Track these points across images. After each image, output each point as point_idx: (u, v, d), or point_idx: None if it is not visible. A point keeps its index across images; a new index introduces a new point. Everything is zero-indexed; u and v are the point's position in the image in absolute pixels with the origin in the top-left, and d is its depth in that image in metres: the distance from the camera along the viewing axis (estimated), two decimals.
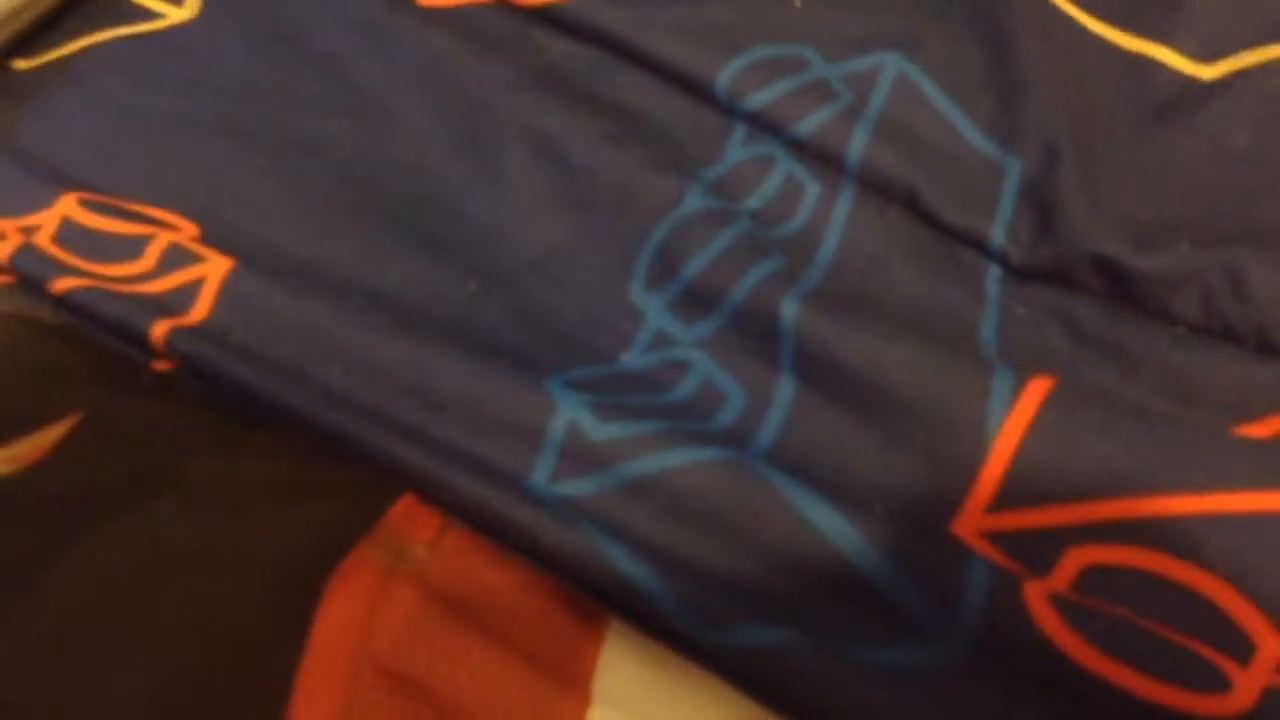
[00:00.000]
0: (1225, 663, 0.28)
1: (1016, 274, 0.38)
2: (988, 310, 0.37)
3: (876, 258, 0.38)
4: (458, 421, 0.33)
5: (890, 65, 0.42)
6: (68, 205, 0.40)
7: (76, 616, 0.28)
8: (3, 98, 0.46)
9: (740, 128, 0.41)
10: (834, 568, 0.30)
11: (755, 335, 0.36)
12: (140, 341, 0.36)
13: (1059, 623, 0.28)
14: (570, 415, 0.33)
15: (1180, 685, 0.27)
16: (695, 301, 0.37)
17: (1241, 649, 0.28)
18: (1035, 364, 0.35)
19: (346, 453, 0.33)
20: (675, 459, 0.32)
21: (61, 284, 0.37)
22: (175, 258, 0.38)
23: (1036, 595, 0.29)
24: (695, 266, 0.37)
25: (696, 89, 0.42)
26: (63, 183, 0.41)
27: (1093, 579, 0.30)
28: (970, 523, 0.31)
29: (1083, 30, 0.43)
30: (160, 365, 0.36)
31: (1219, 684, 0.27)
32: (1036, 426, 0.32)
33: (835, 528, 0.30)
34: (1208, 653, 0.28)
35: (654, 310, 0.37)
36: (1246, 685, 0.28)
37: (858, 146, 0.40)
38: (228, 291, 0.37)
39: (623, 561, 0.30)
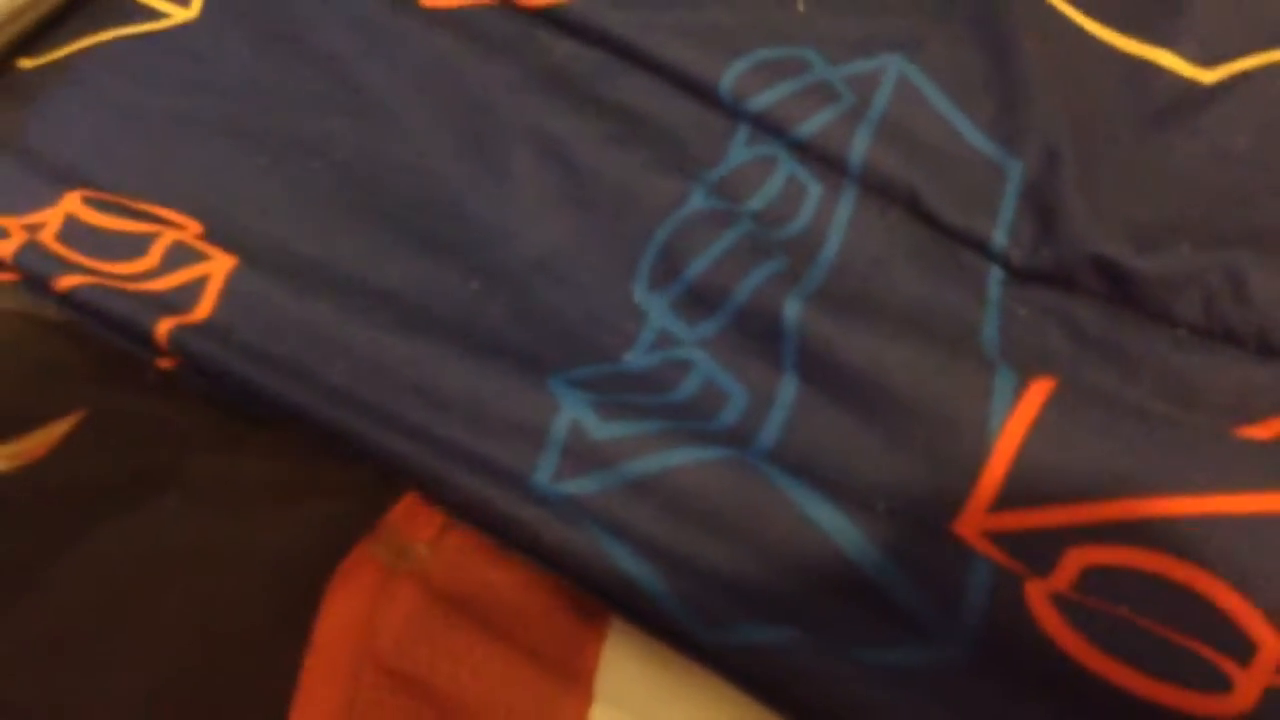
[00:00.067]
0: (1226, 663, 0.28)
1: (1018, 275, 0.38)
2: (989, 312, 0.37)
3: (878, 259, 0.38)
4: (460, 420, 0.33)
5: (892, 67, 0.42)
6: (72, 203, 0.40)
7: (78, 614, 0.28)
8: (7, 96, 0.46)
9: (743, 129, 0.42)
10: (836, 567, 0.30)
11: (758, 335, 0.36)
12: (144, 339, 0.36)
13: (1060, 622, 0.28)
14: (573, 414, 0.33)
15: (1181, 685, 0.27)
16: (698, 301, 0.37)
17: (1242, 649, 0.29)
18: (1036, 365, 0.35)
19: (349, 451, 0.33)
20: (678, 458, 0.32)
21: (66, 281, 0.37)
22: (179, 256, 0.38)
23: (1038, 595, 0.29)
24: (698, 267, 0.37)
25: (700, 91, 0.42)
26: (67, 181, 0.41)
27: (1094, 579, 0.30)
28: (972, 522, 0.31)
29: (1083, 33, 0.43)
30: (164, 363, 0.36)
31: (1220, 684, 0.28)
32: (1038, 427, 0.32)
33: (837, 527, 0.31)
34: (1208, 653, 0.28)
35: (657, 310, 0.37)
36: (1247, 685, 0.28)
37: (860, 148, 0.40)
38: (231, 290, 0.37)
39: (625, 560, 0.30)
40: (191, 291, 0.37)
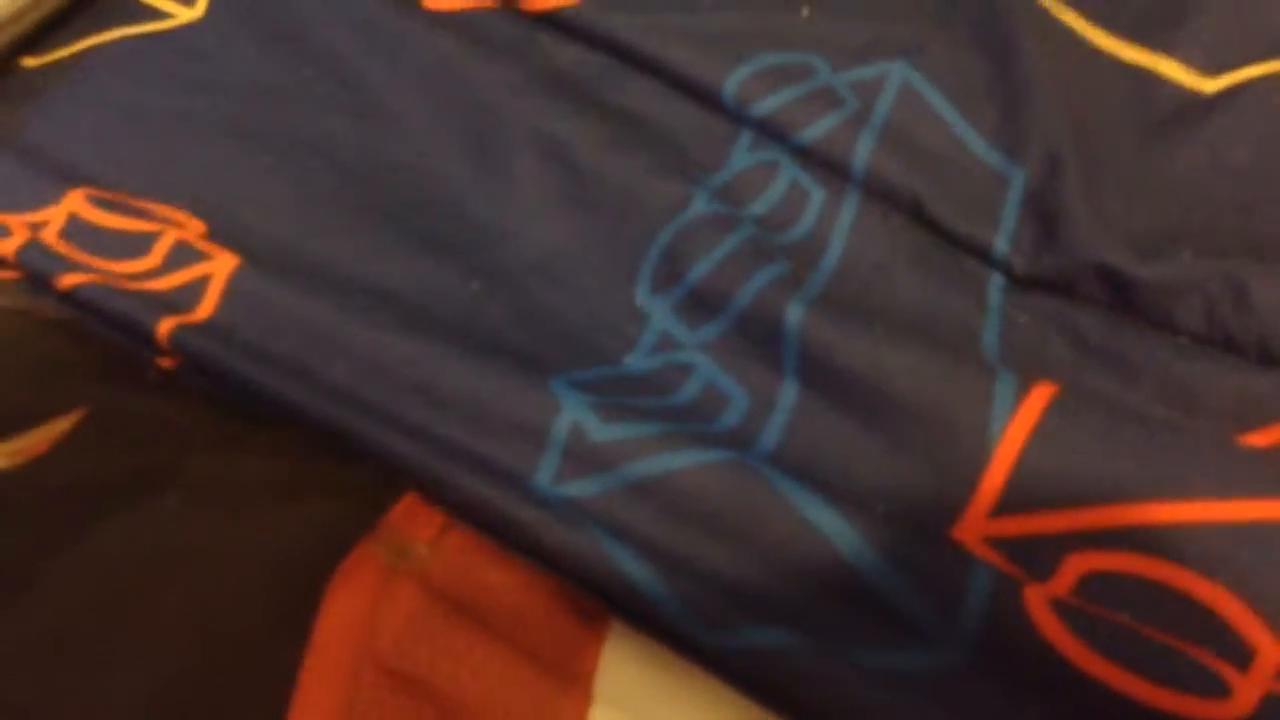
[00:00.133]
0: (1225, 669, 0.28)
1: (1019, 283, 0.38)
2: (990, 318, 0.37)
3: (880, 264, 0.38)
4: (461, 420, 0.33)
5: (896, 73, 0.42)
6: (75, 201, 0.40)
7: (77, 613, 0.28)
8: (11, 95, 0.46)
9: (746, 134, 0.42)
10: (836, 570, 0.30)
11: (759, 339, 0.36)
12: (146, 338, 0.36)
13: (1060, 628, 0.28)
14: (574, 416, 0.33)
15: (1180, 691, 0.27)
16: (700, 305, 0.37)
17: (1241, 655, 0.29)
18: (1037, 372, 0.35)
19: (350, 451, 0.33)
20: (678, 461, 0.32)
21: (68, 280, 0.37)
22: (182, 255, 0.38)
23: (1037, 600, 0.29)
24: (700, 270, 0.37)
25: (704, 95, 0.42)
26: (70, 179, 0.41)
27: (1094, 585, 0.30)
28: (972, 527, 0.31)
29: (1086, 42, 0.43)
30: (165, 362, 0.36)
31: (1219, 690, 0.28)
32: (1039, 432, 0.32)
33: (837, 531, 0.31)
34: (1208, 659, 0.28)
35: (659, 313, 0.37)
36: (1246, 691, 0.28)
37: (863, 154, 0.40)
38: (233, 289, 0.37)
39: (625, 562, 0.30)
40: (193, 291, 0.37)
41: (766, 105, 0.41)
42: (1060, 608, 0.29)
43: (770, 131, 0.41)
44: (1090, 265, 0.37)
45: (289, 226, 0.40)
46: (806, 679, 0.28)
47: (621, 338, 0.37)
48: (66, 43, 0.48)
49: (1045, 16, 0.43)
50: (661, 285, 0.38)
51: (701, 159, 0.41)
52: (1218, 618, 0.29)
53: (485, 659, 0.29)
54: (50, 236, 0.39)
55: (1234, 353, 0.36)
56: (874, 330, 0.35)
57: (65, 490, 0.31)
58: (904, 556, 0.30)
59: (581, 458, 0.32)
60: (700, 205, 0.39)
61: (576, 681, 0.29)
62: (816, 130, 0.40)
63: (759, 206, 0.40)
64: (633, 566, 0.30)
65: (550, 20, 0.45)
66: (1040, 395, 0.33)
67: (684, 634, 0.29)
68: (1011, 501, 0.31)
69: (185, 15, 0.48)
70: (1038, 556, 0.31)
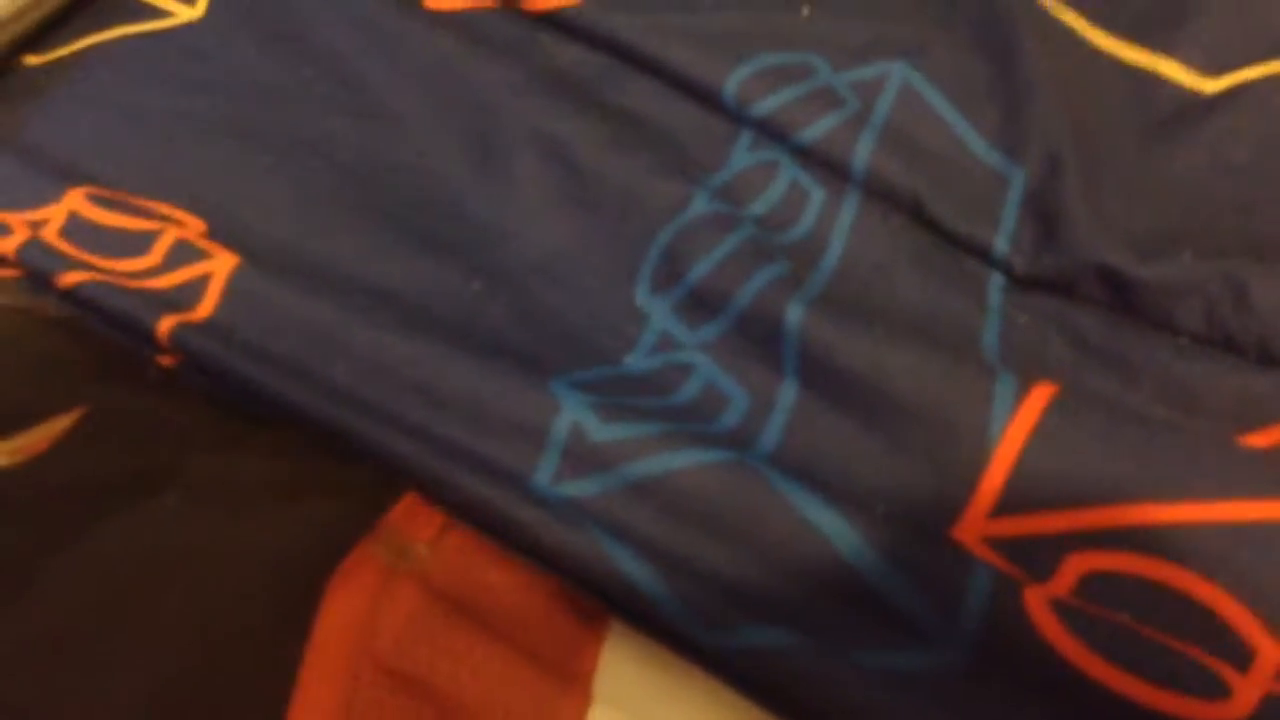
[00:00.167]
0: (1225, 670, 0.28)
1: (1019, 283, 0.38)
2: (990, 318, 0.37)
3: (880, 264, 0.38)
4: (461, 420, 0.33)
5: (896, 74, 0.42)
6: (75, 200, 0.40)
7: (77, 612, 0.28)
8: (12, 93, 0.46)
9: (746, 134, 0.42)
10: (836, 571, 0.30)
11: (759, 339, 0.36)
12: (146, 337, 0.36)
13: (1060, 628, 0.28)
14: (574, 416, 0.33)
15: (1180, 692, 0.27)
16: (700, 305, 0.37)
17: (1241, 656, 0.29)
18: (1037, 372, 0.35)
19: (349, 451, 0.33)
20: (678, 461, 0.32)
21: (68, 278, 0.37)
22: (182, 254, 0.38)
23: (1037, 601, 0.29)
24: (700, 270, 0.37)
25: (704, 95, 0.42)
26: (71, 178, 0.41)
27: (1093, 585, 0.30)
28: (972, 528, 0.31)
29: (1087, 42, 0.43)
30: (165, 361, 0.36)
31: (1219, 691, 0.28)
32: (1039, 433, 0.32)
33: (837, 531, 0.31)
34: (1207, 660, 0.28)
35: (659, 313, 0.37)
36: (1246, 692, 0.28)
37: (863, 154, 0.40)
38: (233, 288, 0.37)
39: (625, 562, 0.30)
40: (194, 290, 0.37)
41: (767, 105, 0.41)
42: (1060, 608, 0.29)
43: (770, 131, 0.41)
44: (1090, 265, 0.37)
45: (289, 226, 0.40)
46: (806, 679, 0.28)
47: (621, 338, 0.37)
48: (67, 41, 0.48)
49: (1046, 17, 0.43)
50: (661, 285, 0.38)
51: (702, 159, 0.41)
52: (1217, 618, 0.29)
53: (485, 659, 0.29)
54: (51, 235, 0.39)
55: (1234, 353, 0.36)
56: (874, 330, 0.35)
57: (65, 489, 0.31)
58: (904, 557, 0.30)
59: (581, 458, 0.32)
60: (700, 205, 0.39)
61: (576, 681, 0.29)
62: (817, 130, 0.40)
63: (759, 206, 0.40)
64: (632, 566, 0.30)
65: (551, 20, 0.45)
66: (1040, 395, 0.33)
67: (683, 634, 0.29)
68: (1011, 502, 0.31)
69: (186, 14, 0.48)
70: (1037, 557, 0.31)
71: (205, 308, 0.36)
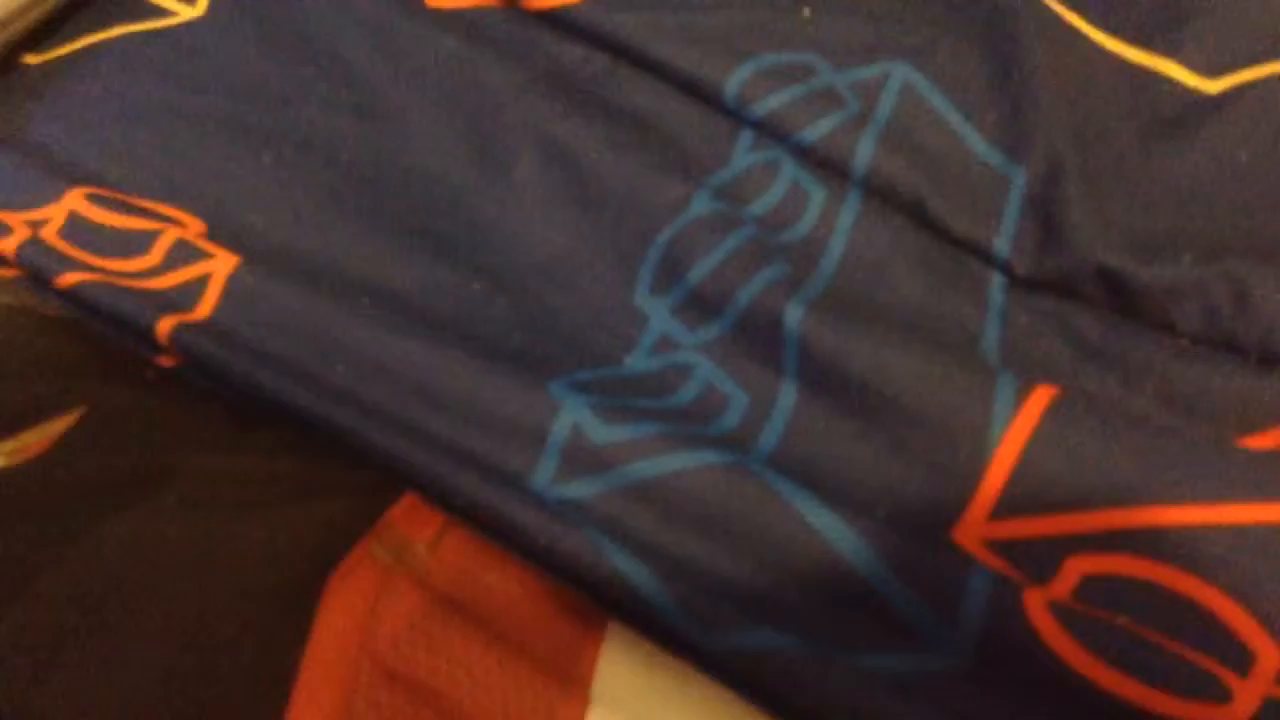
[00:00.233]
0: (1225, 673, 0.28)
1: (1020, 284, 0.38)
2: (991, 319, 0.37)
3: (881, 265, 0.38)
4: (461, 421, 0.33)
5: (897, 74, 0.42)
6: (75, 200, 0.40)
7: (77, 611, 0.28)
8: (12, 92, 0.46)
9: (747, 134, 0.42)
10: (834, 573, 0.30)
11: (759, 340, 0.36)
12: (146, 337, 0.36)
13: (1059, 631, 0.28)
14: (573, 417, 0.33)
15: (1180, 695, 0.27)
16: (700, 306, 0.37)
17: (1241, 660, 0.29)
18: (1038, 374, 0.35)
19: (349, 451, 0.33)
20: (677, 462, 0.32)
21: (68, 278, 0.37)
22: (182, 254, 0.38)
23: (1036, 603, 0.29)
24: (700, 271, 0.37)
25: (705, 95, 0.42)
26: (71, 177, 0.41)
27: (1093, 588, 0.30)
28: (972, 530, 0.31)
29: (1089, 42, 0.43)
30: (165, 361, 0.36)
31: (1219, 694, 0.27)
32: (1039, 435, 0.32)
33: (836, 533, 0.30)
34: (1208, 663, 0.28)
35: (658, 314, 0.37)
36: (1246, 696, 0.28)
37: (864, 154, 0.40)
38: (233, 288, 0.37)
39: (624, 564, 0.30)
40: (193, 290, 0.37)
41: (768, 105, 0.41)
42: (1059, 611, 0.29)
43: (771, 131, 0.41)
44: (1091, 266, 0.37)
45: (289, 226, 0.40)
46: (804, 681, 0.28)
47: (621, 338, 0.37)
48: (68, 40, 0.48)
49: (1048, 17, 0.43)
50: (661, 286, 0.38)
51: (703, 158, 0.41)
52: (1217, 622, 0.29)
53: (483, 660, 0.29)
54: (50, 235, 0.39)
55: (1235, 354, 0.36)
56: (874, 331, 0.35)
57: (65, 489, 0.31)
58: (903, 559, 0.30)
59: (581, 459, 0.32)
60: (701, 205, 0.38)
61: (574, 683, 0.29)
62: (818, 130, 0.40)
63: (759, 207, 0.39)
64: (631, 568, 0.30)
65: (553, 19, 0.45)
66: (1040, 398, 0.32)
67: (682, 636, 0.29)
68: (1011, 504, 0.31)
69: (187, 13, 0.48)
70: (1037, 559, 0.31)
71: (205, 308, 0.36)
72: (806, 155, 0.41)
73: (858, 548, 0.30)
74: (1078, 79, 0.41)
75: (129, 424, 0.34)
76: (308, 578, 0.29)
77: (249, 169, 0.42)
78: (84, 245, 0.39)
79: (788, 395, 0.35)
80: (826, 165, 0.40)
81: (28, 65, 0.48)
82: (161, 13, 0.48)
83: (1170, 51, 0.42)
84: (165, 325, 0.36)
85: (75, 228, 0.39)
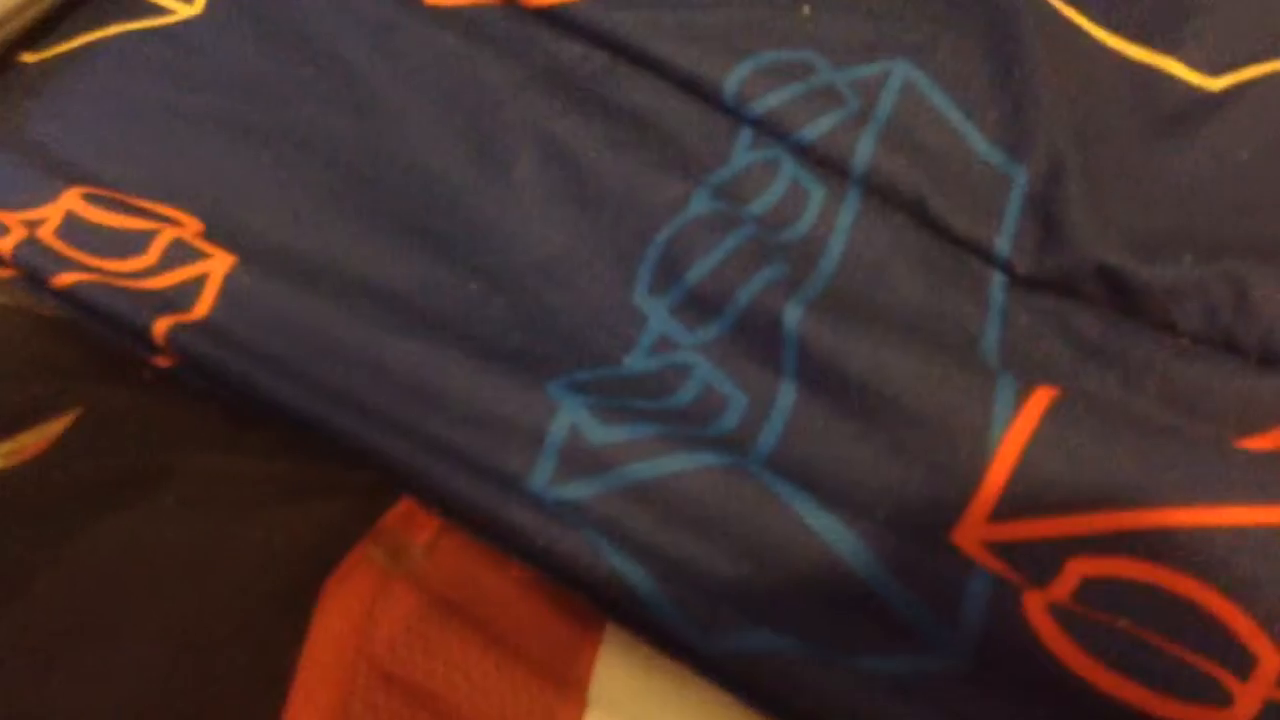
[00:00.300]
0: (1225, 676, 0.28)
1: (1021, 283, 0.38)
2: (991, 319, 0.37)
3: (880, 264, 0.38)
4: (458, 421, 0.33)
5: (898, 72, 0.42)
6: (72, 200, 0.40)
7: (73, 613, 0.28)
8: (9, 91, 0.46)
9: (746, 132, 0.41)
10: (833, 575, 0.30)
11: (758, 341, 0.35)
12: (142, 337, 0.36)
13: (1058, 633, 0.28)
14: (571, 418, 0.33)
15: (1180, 698, 0.27)
16: (699, 306, 0.37)
17: (1242, 662, 0.28)
18: (1038, 373, 0.35)
19: (346, 452, 0.33)
20: (675, 464, 0.32)
21: (64, 279, 0.37)
22: (179, 254, 0.38)
23: (1036, 606, 0.29)
24: (699, 271, 0.37)
25: (704, 93, 0.42)
26: (67, 177, 0.41)
27: (1093, 590, 0.30)
28: (971, 532, 0.31)
29: (1090, 40, 0.43)
30: (162, 361, 0.36)
31: (1219, 697, 0.27)
32: (1039, 437, 0.32)
33: (835, 535, 0.30)
34: (1208, 666, 0.28)
35: (657, 314, 0.37)
36: (1247, 699, 0.28)
37: (864, 153, 0.40)
38: (230, 288, 0.37)
39: (621, 565, 0.30)
40: (190, 290, 0.37)
41: (767, 103, 0.41)
42: (1059, 613, 0.29)
43: (771, 129, 0.41)
44: (1091, 266, 0.37)
45: (287, 225, 0.40)
46: (802, 684, 0.28)
47: (620, 338, 0.37)
48: (65, 39, 0.48)
49: (1050, 14, 0.43)
50: (660, 286, 0.37)
51: (702, 156, 0.41)
52: (1218, 624, 0.29)
53: (480, 663, 0.29)
54: (47, 234, 0.39)
55: (1235, 354, 0.36)
56: (873, 331, 0.35)
57: (62, 490, 0.31)
58: (902, 561, 0.30)
59: (578, 460, 0.32)
60: (700, 204, 0.38)
61: (571, 686, 0.29)
62: (817, 129, 0.40)
63: (759, 206, 0.39)
64: (628, 569, 0.30)
65: (552, 16, 0.45)
66: (1041, 399, 0.32)
67: (679, 638, 0.29)
68: (1011, 506, 0.31)
69: (184, 11, 0.48)
70: (1037, 561, 0.31)
71: (201, 308, 0.36)
72: (806, 154, 0.41)
73: (857, 549, 0.30)
74: (1079, 77, 0.41)
75: (126, 425, 0.34)
76: (305, 580, 0.29)
77: (247, 168, 0.42)
78: (80, 245, 0.38)
79: (786, 396, 0.35)
80: (826, 164, 0.40)
81: (25, 64, 0.47)
82: (159, 11, 0.48)
83: (1171, 49, 0.42)
84: (162, 325, 0.35)
85: (72, 227, 0.39)
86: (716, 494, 0.31)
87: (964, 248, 0.39)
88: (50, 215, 0.39)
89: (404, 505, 0.32)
